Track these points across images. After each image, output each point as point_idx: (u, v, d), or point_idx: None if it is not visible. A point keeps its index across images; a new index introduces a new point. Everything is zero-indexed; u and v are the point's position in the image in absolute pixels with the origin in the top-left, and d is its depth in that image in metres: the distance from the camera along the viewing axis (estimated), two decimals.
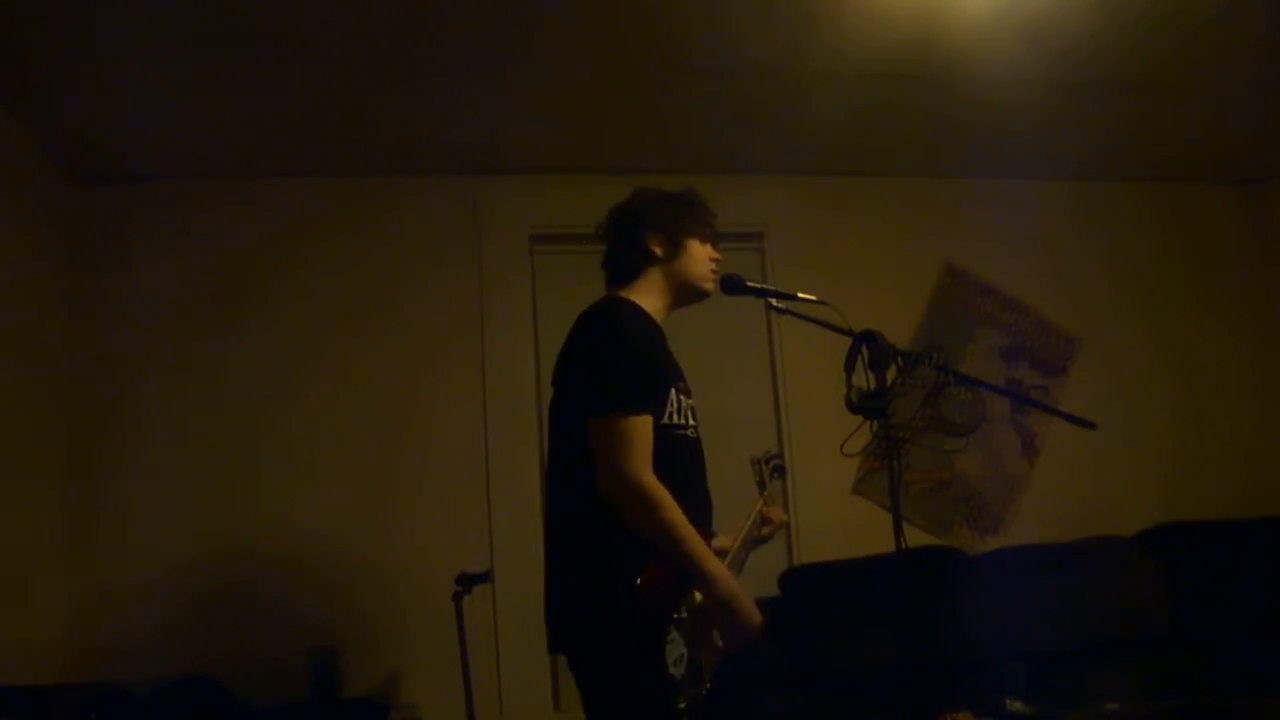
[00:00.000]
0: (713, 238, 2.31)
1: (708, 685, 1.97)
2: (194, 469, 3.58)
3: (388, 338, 3.81)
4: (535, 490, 3.76)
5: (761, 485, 2.39)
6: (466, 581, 3.19)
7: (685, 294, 2.29)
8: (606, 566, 1.96)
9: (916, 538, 3.43)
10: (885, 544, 2.17)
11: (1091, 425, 2.36)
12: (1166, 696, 3.30)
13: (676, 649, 1.90)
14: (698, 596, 1.97)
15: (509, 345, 3.87)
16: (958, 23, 3.14)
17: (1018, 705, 3.14)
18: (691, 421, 2.17)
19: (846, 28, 3.15)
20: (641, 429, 1.98)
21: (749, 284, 2.36)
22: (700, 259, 2.27)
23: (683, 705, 1.88)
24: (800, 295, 2.31)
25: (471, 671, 3.16)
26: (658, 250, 2.24)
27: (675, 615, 1.93)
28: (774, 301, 2.39)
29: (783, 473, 2.48)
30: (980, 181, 4.31)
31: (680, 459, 2.09)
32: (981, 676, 3.27)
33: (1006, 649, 3.36)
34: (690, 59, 3.32)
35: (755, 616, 2.01)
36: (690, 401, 2.18)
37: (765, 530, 2.34)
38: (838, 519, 3.83)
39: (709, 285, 2.30)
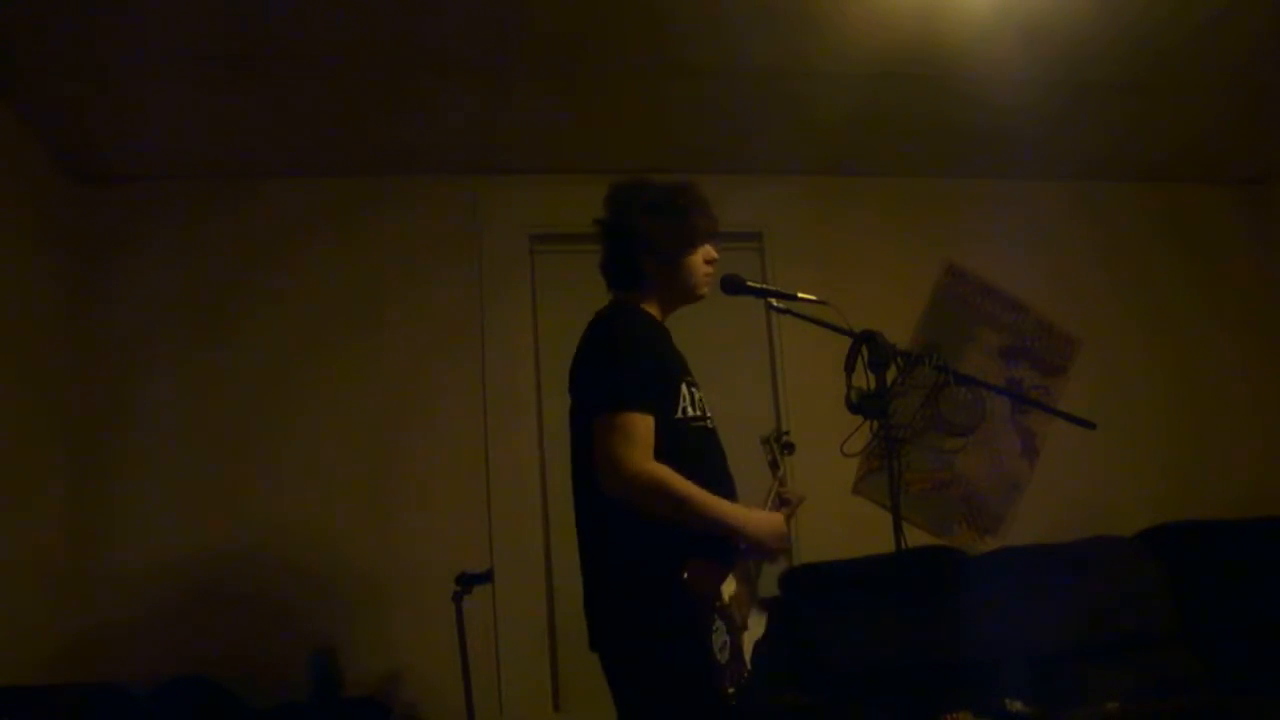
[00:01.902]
0: (708, 237, 2.30)
1: (748, 669, 2.02)
2: (194, 469, 3.58)
3: (388, 338, 3.81)
4: (535, 490, 3.77)
5: (774, 464, 2.40)
6: (466, 581, 3.19)
7: (682, 299, 2.32)
8: (645, 564, 2.00)
9: (916, 538, 3.44)
10: (885, 544, 2.17)
11: (1091, 425, 2.37)
12: (1167, 696, 3.31)
13: (720, 636, 1.97)
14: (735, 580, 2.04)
15: (509, 345, 3.87)
16: (958, 23, 3.14)
17: (1018, 705, 3.14)
18: (708, 412, 2.20)
19: (847, 28, 3.16)
20: (641, 426, 2.01)
21: (749, 284, 2.37)
22: (696, 267, 2.28)
23: (731, 690, 1.94)
24: (800, 295, 2.32)
25: (471, 671, 3.16)
26: (650, 269, 2.25)
27: (717, 603, 1.98)
28: (774, 301, 2.40)
29: (792, 449, 2.49)
30: (980, 181, 4.31)
31: (704, 450, 2.13)
32: (981, 676, 3.27)
33: (1006, 649, 3.36)
34: (690, 59, 3.32)
35: (773, 524, 2.15)
36: (701, 394, 2.20)
37: (785, 511, 2.35)
38: (838, 519, 3.82)
39: (704, 291, 2.32)
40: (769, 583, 3.56)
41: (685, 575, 1.94)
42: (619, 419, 1.99)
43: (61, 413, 3.52)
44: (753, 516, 2.11)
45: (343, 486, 3.65)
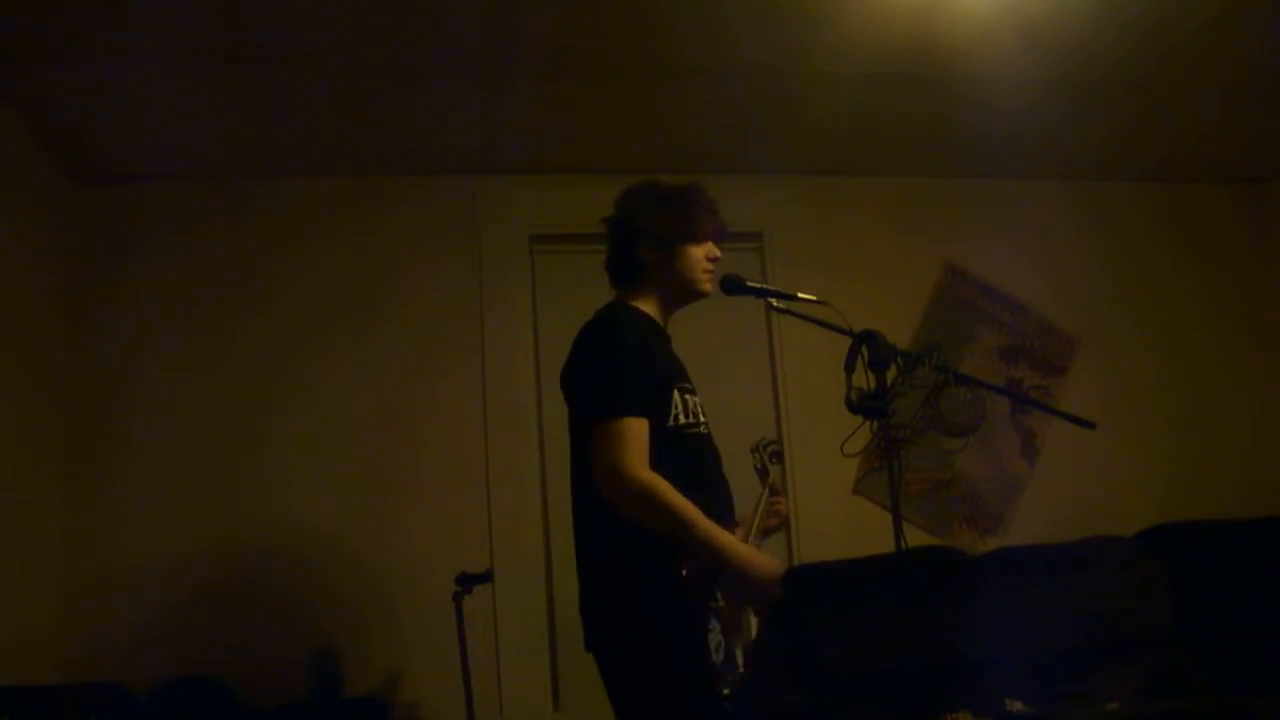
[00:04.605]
0: (712, 235, 2.30)
1: (742, 670, 2.01)
2: (194, 469, 3.58)
3: (388, 338, 3.81)
4: (535, 490, 3.77)
5: (764, 472, 2.39)
6: (466, 581, 3.19)
7: (682, 296, 2.31)
8: (642, 563, 2.00)
9: (916, 538, 3.44)
10: (885, 544, 2.18)
11: (1091, 425, 2.37)
12: (1167, 696, 3.30)
13: (715, 636, 1.97)
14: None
15: (509, 345, 3.87)
16: (958, 22, 3.14)
17: (1018, 705, 3.14)
18: (702, 419, 2.19)
19: (846, 28, 3.16)
20: (636, 430, 2.00)
21: (749, 284, 2.36)
22: (694, 262, 2.27)
23: (726, 691, 1.94)
24: (800, 295, 2.32)
25: (471, 671, 3.16)
26: (650, 258, 2.25)
27: (712, 604, 1.98)
28: (774, 301, 2.40)
29: (781, 458, 2.48)
30: (980, 181, 4.31)
31: (696, 457, 2.12)
32: (981, 676, 3.27)
33: (1006, 649, 3.36)
34: (690, 59, 3.32)
35: (771, 570, 2.07)
36: (696, 399, 2.20)
37: (773, 521, 2.34)
38: (838, 519, 3.83)
39: (705, 286, 2.30)
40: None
41: (684, 572, 1.94)
42: (614, 425, 1.99)
43: (61, 412, 3.52)
44: (746, 553, 2.05)
45: (343, 486, 3.65)
